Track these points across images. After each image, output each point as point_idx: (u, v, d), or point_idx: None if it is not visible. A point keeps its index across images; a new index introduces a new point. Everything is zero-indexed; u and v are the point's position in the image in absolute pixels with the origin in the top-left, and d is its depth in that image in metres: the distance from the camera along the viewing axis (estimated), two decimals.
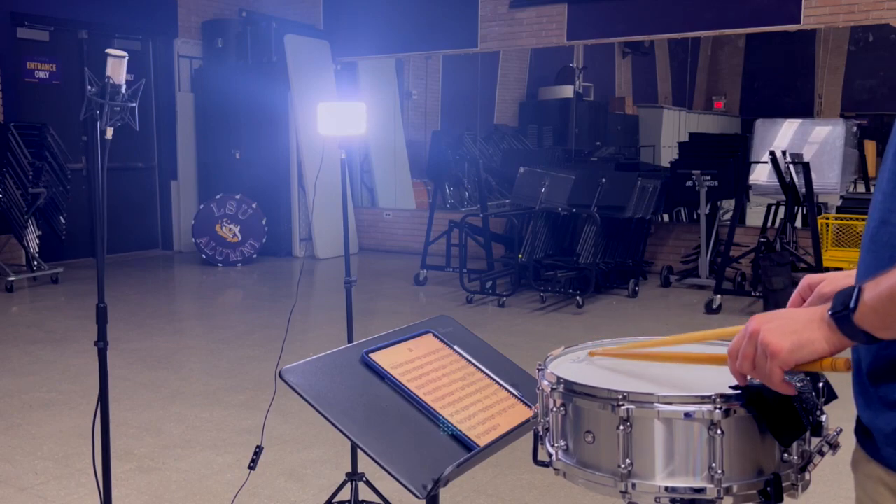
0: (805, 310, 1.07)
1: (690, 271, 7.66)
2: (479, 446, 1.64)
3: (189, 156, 9.96)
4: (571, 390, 1.26)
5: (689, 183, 7.31)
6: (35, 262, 7.64)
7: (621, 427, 1.19)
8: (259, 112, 9.33)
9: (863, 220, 6.81)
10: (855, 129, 7.63)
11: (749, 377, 1.12)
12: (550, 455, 1.31)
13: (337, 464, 3.46)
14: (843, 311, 0.99)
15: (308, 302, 7.04)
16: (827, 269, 6.14)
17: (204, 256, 8.85)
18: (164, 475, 3.36)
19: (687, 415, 1.17)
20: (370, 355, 1.76)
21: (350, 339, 2.92)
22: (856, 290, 0.98)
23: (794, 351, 1.03)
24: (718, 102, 13.73)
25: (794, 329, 1.04)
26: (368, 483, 2.80)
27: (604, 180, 7.06)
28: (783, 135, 7.32)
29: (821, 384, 1.19)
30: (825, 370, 1.06)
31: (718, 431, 1.16)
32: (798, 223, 7.23)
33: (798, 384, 1.14)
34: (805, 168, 6.34)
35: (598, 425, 1.23)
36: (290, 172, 9.34)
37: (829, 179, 7.05)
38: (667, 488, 1.18)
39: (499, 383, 1.87)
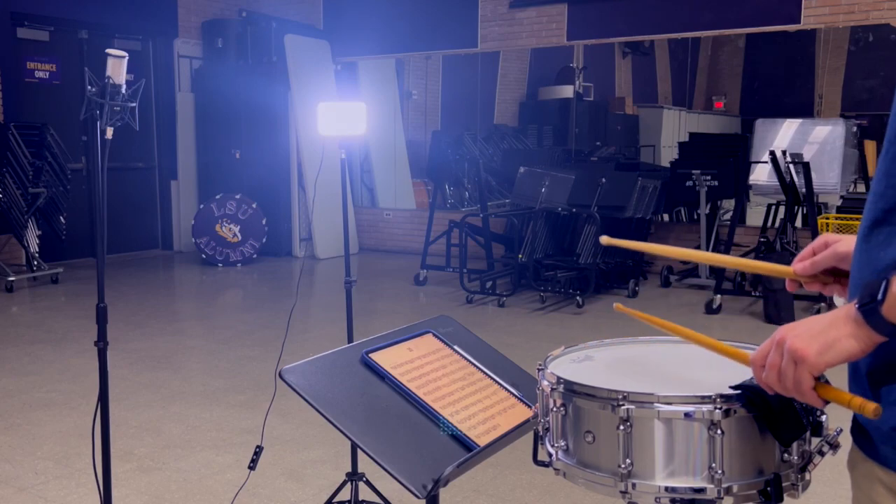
0: (829, 312, 1.05)
1: (690, 271, 7.66)
2: (479, 446, 1.64)
3: (189, 156, 9.96)
4: (571, 390, 1.26)
5: (689, 183, 7.31)
6: (35, 262, 7.64)
7: (621, 427, 1.19)
8: (259, 112, 9.34)
9: None
10: (855, 129, 7.62)
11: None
12: (550, 455, 1.31)
13: (337, 464, 3.46)
14: (870, 302, 0.97)
15: (308, 302, 7.03)
16: None
17: (204, 256, 8.85)
18: (164, 475, 3.36)
19: (687, 415, 1.17)
20: (370, 355, 1.76)
21: (350, 339, 2.92)
22: (884, 282, 0.96)
23: (821, 353, 1.00)
24: (718, 102, 13.71)
25: (820, 330, 1.01)
26: (368, 483, 2.80)
27: (604, 180, 7.06)
28: (783, 135, 7.32)
29: None
30: (853, 409, 1.01)
31: (718, 431, 1.16)
32: (798, 223, 7.22)
33: None
34: (805, 168, 6.34)
35: (598, 425, 1.23)
36: (290, 172, 9.34)
37: (829, 179, 7.04)
38: (667, 488, 1.18)
39: (499, 383, 1.87)
